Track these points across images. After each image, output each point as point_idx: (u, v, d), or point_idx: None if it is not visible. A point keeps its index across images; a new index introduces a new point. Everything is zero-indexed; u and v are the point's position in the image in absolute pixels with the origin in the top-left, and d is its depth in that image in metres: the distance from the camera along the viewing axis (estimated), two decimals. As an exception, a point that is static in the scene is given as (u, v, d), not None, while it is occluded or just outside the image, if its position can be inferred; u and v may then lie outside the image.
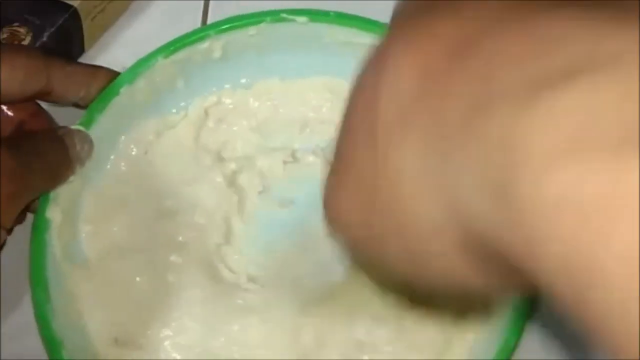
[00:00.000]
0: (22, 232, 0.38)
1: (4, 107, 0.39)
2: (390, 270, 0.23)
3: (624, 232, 0.15)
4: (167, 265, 0.40)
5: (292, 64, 0.43)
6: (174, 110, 0.43)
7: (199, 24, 0.50)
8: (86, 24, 0.47)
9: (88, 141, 0.40)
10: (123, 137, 0.42)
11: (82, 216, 0.41)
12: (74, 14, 0.45)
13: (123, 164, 0.42)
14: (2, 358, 0.39)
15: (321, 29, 0.42)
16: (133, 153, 0.42)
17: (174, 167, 0.42)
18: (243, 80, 0.44)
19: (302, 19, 0.42)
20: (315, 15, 0.42)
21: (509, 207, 0.17)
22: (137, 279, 0.40)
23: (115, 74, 0.41)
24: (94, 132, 0.40)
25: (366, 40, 0.40)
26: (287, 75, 0.44)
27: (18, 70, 0.38)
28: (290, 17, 0.42)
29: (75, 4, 0.45)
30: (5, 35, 0.44)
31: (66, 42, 0.46)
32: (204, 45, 0.43)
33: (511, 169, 0.17)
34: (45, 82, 0.38)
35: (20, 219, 0.38)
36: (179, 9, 0.51)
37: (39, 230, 0.38)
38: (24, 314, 0.38)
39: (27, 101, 0.39)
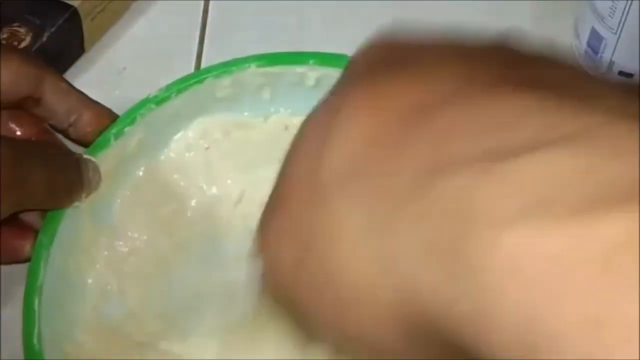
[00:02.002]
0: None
1: (13, 125, 0.39)
2: (306, 319, 0.22)
3: (576, 297, 0.15)
4: None
5: None
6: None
7: (198, 24, 0.50)
8: (86, 24, 0.47)
9: (98, 173, 0.39)
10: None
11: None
12: (74, 14, 0.45)
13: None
14: (2, 358, 0.39)
15: None
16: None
17: None
18: None
19: None
20: None
21: (457, 275, 0.17)
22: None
23: (110, 113, 0.40)
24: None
25: None
26: None
27: (9, 71, 0.37)
28: None
29: (75, 4, 0.45)
30: (5, 35, 0.44)
31: (66, 42, 0.46)
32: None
33: (462, 235, 0.17)
34: (35, 88, 0.37)
35: (22, 235, 0.38)
36: (179, 9, 0.51)
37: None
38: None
39: (16, 107, 0.38)
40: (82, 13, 0.46)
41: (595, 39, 0.46)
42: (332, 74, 0.41)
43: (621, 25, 0.44)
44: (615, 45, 0.45)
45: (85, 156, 0.39)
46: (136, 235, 0.41)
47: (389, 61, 0.22)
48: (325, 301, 0.21)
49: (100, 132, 0.39)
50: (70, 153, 0.38)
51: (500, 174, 0.17)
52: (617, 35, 0.45)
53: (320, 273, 0.20)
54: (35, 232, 0.38)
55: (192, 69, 0.48)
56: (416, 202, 0.18)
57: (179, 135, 0.42)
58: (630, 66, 0.46)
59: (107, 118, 0.40)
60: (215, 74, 0.41)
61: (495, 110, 0.18)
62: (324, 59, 0.41)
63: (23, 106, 0.38)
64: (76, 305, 0.39)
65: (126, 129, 0.40)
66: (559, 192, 0.16)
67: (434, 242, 0.17)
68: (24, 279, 0.37)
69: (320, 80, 0.42)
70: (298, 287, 0.22)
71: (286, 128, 0.42)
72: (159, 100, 0.40)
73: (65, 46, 0.46)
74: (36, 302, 0.37)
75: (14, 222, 0.38)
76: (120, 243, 0.40)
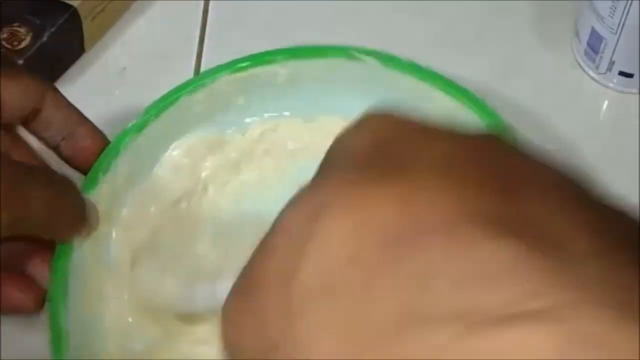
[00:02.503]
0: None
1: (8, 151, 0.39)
2: None
3: None
4: None
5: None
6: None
7: (198, 24, 0.50)
8: (86, 24, 0.47)
9: (96, 211, 0.39)
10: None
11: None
12: (74, 14, 0.45)
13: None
14: (2, 358, 0.39)
15: (391, 76, 0.42)
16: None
17: None
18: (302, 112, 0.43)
19: (371, 60, 0.42)
20: (386, 60, 0.42)
21: None
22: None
23: (102, 138, 0.40)
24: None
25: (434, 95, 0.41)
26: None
27: (20, 85, 0.37)
28: (360, 55, 0.42)
29: (75, 4, 0.45)
30: (5, 35, 0.44)
31: (66, 42, 0.46)
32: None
33: None
34: (39, 101, 0.38)
35: (24, 287, 0.37)
36: (179, 9, 0.51)
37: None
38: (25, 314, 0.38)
39: (18, 122, 0.39)
40: (82, 13, 0.46)
41: (595, 39, 0.46)
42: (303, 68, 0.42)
43: (621, 25, 0.44)
44: (615, 45, 0.45)
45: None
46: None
47: (375, 161, 0.21)
48: None
49: (91, 154, 0.40)
50: (71, 181, 0.38)
51: (472, 345, 0.17)
52: (617, 35, 0.45)
53: None
54: (38, 286, 0.37)
55: (192, 69, 0.48)
56: (386, 349, 0.18)
57: (165, 155, 0.42)
58: (630, 66, 0.46)
59: (99, 138, 0.40)
60: (188, 90, 0.41)
61: (474, 262, 0.18)
62: (293, 53, 0.42)
63: (24, 120, 0.39)
64: (100, 347, 0.39)
65: (112, 162, 0.40)
66: None
67: None
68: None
69: (291, 75, 0.42)
70: None
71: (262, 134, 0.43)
72: (139, 127, 0.41)
73: (65, 46, 0.46)
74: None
75: (16, 272, 0.38)
76: (124, 279, 0.40)
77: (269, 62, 0.42)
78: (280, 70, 0.42)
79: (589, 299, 0.17)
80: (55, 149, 0.40)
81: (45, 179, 0.36)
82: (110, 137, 0.40)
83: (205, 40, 0.50)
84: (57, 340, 0.36)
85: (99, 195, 0.39)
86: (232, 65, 0.42)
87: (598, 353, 0.16)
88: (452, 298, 0.18)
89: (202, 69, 0.48)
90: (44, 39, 0.44)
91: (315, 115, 0.43)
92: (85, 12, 0.46)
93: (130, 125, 0.41)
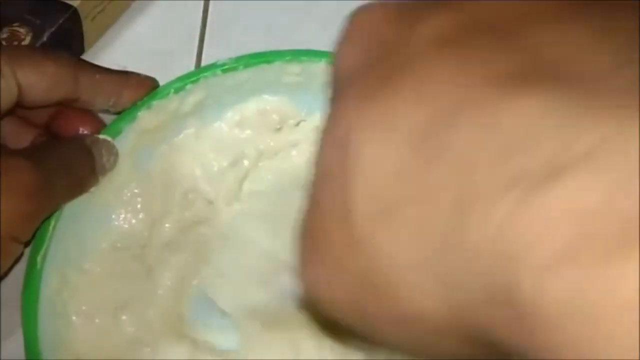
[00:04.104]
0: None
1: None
2: (378, 339, 0.23)
3: (628, 329, 0.15)
4: None
5: None
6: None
7: (198, 24, 0.50)
8: (86, 24, 0.47)
9: (114, 153, 0.39)
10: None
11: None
12: (74, 14, 0.45)
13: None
14: (2, 358, 0.39)
15: None
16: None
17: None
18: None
19: None
20: None
21: (512, 313, 0.17)
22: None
23: (151, 83, 0.41)
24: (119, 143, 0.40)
25: None
26: None
27: (47, 77, 0.37)
28: None
29: (75, 4, 0.45)
30: (5, 35, 0.44)
31: (66, 42, 0.46)
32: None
33: (510, 277, 0.17)
34: (72, 90, 0.38)
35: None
36: (179, 9, 0.51)
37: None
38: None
39: (52, 107, 0.39)
40: (82, 13, 0.46)
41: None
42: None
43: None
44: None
45: (101, 137, 0.39)
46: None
47: (373, 65, 0.21)
48: (395, 329, 0.21)
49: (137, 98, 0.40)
50: (83, 143, 0.38)
51: (530, 211, 0.17)
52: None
53: (385, 304, 0.21)
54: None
55: (192, 69, 0.48)
56: (458, 239, 0.18)
57: (236, 107, 0.43)
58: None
59: (147, 87, 0.40)
60: (286, 59, 0.42)
61: (507, 129, 0.18)
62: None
63: (60, 104, 0.39)
64: (93, 233, 0.40)
65: (188, 86, 0.41)
66: (591, 229, 0.16)
67: (484, 283, 0.18)
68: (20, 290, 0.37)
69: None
70: (364, 318, 0.22)
71: None
72: (226, 68, 0.41)
73: (65, 46, 0.46)
74: (52, 222, 0.37)
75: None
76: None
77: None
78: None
79: (626, 124, 0.17)
80: (93, 114, 0.40)
81: (65, 161, 0.37)
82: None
83: (205, 40, 0.50)
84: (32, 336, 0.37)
85: (162, 107, 0.41)
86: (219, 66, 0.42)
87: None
88: (499, 171, 0.18)
89: (202, 68, 0.48)
90: (44, 39, 0.44)
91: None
92: (85, 12, 0.46)
93: (217, 62, 0.41)
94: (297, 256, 0.23)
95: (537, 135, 0.17)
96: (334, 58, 0.23)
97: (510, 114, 0.18)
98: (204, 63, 0.49)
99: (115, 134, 0.40)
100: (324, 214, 0.21)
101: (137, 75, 0.41)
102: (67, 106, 0.39)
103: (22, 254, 0.36)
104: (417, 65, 0.20)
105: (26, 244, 0.36)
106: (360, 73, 0.21)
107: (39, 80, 0.37)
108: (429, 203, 0.19)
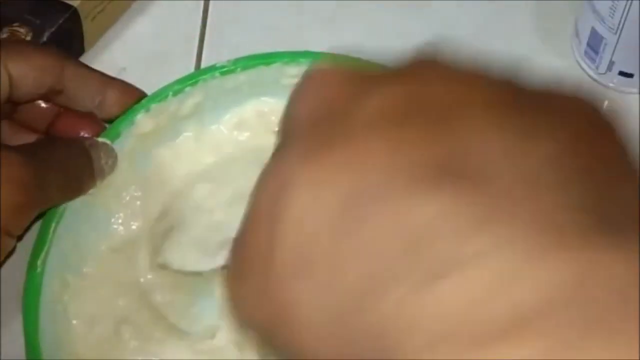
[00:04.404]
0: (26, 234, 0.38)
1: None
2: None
3: None
4: None
5: None
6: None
7: (198, 24, 0.50)
8: (86, 24, 0.47)
9: (113, 156, 0.39)
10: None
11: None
12: (74, 14, 0.45)
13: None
14: (2, 358, 0.39)
15: None
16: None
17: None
18: None
19: None
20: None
21: None
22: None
23: (136, 92, 0.41)
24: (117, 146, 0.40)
25: None
26: None
27: (35, 67, 0.37)
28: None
29: (75, 4, 0.45)
30: (5, 35, 0.44)
31: (66, 42, 0.46)
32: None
33: (389, 355, 0.19)
34: (57, 80, 0.38)
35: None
36: (179, 9, 0.51)
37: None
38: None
39: (39, 99, 0.39)
40: (82, 13, 0.46)
41: (595, 39, 0.46)
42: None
43: (621, 25, 0.44)
44: (615, 45, 0.45)
45: (99, 140, 0.39)
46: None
47: (319, 126, 0.22)
48: (289, 353, 0.23)
49: (122, 107, 0.40)
50: (81, 145, 0.38)
51: (416, 301, 0.19)
52: (617, 36, 0.45)
53: (286, 340, 0.22)
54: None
55: (192, 69, 0.48)
56: (358, 316, 0.20)
57: (235, 109, 0.43)
58: (630, 66, 0.46)
59: (133, 95, 0.40)
60: (285, 61, 0.42)
61: (410, 222, 0.19)
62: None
63: (46, 97, 0.39)
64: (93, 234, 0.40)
65: (187, 89, 0.41)
66: (471, 316, 0.18)
67: (373, 355, 0.19)
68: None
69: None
70: (265, 336, 0.23)
71: None
72: (225, 71, 0.41)
73: (65, 46, 0.46)
74: (52, 226, 0.37)
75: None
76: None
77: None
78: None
79: (517, 233, 0.18)
80: (90, 114, 0.40)
81: (60, 160, 0.37)
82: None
83: (205, 40, 0.50)
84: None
85: (161, 110, 0.41)
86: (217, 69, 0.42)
87: (525, 285, 0.18)
88: (398, 262, 0.19)
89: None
90: (44, 39, 0.44)
91: None
92: (85, 12, 0.46)
93: (215, 65, 0.41)
94: (228, 264, 0.24)
95: (434, 237, 0.19)
96: (287, 107, 0.25)
97: (417, 212, 0.20)
98: (204, 63, 0.49)
99: (114, 138, 0.40)
100: (250, 247, 0.23)
101: (124, 81, 0.41)
102: (66, 111, 0.39)
103: (14, 249, 0.36)
104: (354, 138, 0.21)
105: (19, 238, 0.36)
106: (306, 131, 0.23)
107: (28, 70, 0.37)
108: (339, 272, 0.20)
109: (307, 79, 0.25)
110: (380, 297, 0.19)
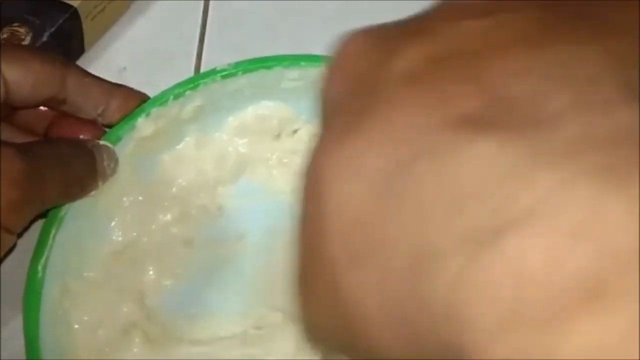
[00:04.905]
0: (26, 234, 0.38)
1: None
2: None
3: None
4: None
5: None
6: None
7: (198, 24, 0.50)
8: (86, 24, 0.47)
9: (115, 159, 0.39)
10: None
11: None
12: (74, 14, 0.45)
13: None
14: (2, 358, 0.39)
15: None
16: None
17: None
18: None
19: None
20: None
21: None
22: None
23: (139, 96, 0.41)
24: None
25: None
26: None
27: (31, 73, 0.37)
28: None
29: (75, 4, 0.45)
30: (5, 35, 0.44)
31: (66, 42, 0.46)
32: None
33: (458, 339, 0.17)
34: (59, 90, 0.38)
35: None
36: (179, 9, 0.51)
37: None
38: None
39: (39, 106, 0.39)
40: (82, 13, 0.46)
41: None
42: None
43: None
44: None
45: (102, 143, 0.39)
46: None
47: (354, 99, 0.21)
48: (360, 354, 0.22)
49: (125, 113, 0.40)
50: (84, 145, 0.38)
51: (475, 274, 0.17)
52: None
53: (356, 342, 0.21)
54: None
55: (192, 69, 0.48)
56: (412, 296, 0.18)
57: (236, 113, 0.43)
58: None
59: (135, 101, 0.40)
60: (285, 64, 0.41)
61: (458, 175, 0.18)
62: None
63: (48, 105, 0.39)
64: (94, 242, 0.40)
65: (187, 92, 0.41)
66: (531, 293, 0.16)
67: (437, 341, 0.18)
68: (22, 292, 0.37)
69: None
70: (337, 344, 0.23)
71: None
72: (225, 74, 0.41)
73: (65, 46, 0.46)
74: (53, 231, 0.37)
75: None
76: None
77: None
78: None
79: (567, 178, 0.17)
80: (93, 121, 0.40)
81: (61, 158, 0.37)
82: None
83: (205, 40, 0.50)
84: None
85: (161, 114, 0.40)
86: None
87: (591, 239, 0.16)
88: (451, 225, 0.18)
89: (202, 69, 0.48)
90: (44, 39, 0.44)
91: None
92: (85, 12, 0.46)
93: (216, 68, 0.41)
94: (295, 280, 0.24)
95: (487, 186, 0.17)
96: (323, 82, 0.24)
97: (463, 163, 0.18)
98: (203, 63, 0.49)
99: (114, 142, 0.40)
100: (305, 256, 0.22)
101: (127, 87, 0.41)
102: (66, 114, 0.39)
103: (14, 246, 0.36)
104: (383, 106, 0.20)
105: (19, 236, 0.36)
106: (334, 112, 0.22)
107: (24, 76, 0.37)
108: (390, 253, 0.19)
109: (338, 47, 0.23)
110: (436, 272, 0.18)
